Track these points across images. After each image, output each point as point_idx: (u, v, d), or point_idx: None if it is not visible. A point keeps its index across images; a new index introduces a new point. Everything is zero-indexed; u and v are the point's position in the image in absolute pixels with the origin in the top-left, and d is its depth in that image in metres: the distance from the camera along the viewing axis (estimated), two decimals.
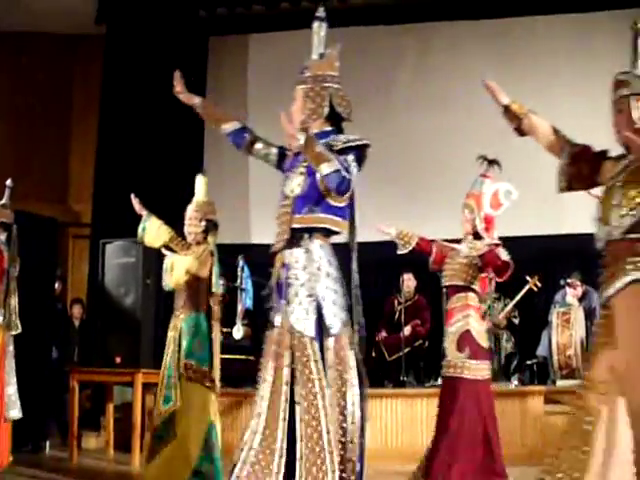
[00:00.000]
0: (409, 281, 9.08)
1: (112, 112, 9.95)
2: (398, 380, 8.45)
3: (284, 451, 3.26)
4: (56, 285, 9.13)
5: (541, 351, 8.63)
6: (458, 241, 5.76)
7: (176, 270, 5.37)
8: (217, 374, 5.36)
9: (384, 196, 8.92)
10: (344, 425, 3.37)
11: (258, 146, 3.87)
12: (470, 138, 9.29)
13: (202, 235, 5.47)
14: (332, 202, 3.51)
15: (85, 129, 10.51)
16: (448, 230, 8.53)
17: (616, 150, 3.34)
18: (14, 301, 6.06)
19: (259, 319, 7.27)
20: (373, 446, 5.73)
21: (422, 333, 8.91)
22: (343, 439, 3.36)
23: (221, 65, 10.53)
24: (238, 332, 8.00)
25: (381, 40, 10.06)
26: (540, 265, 9.02)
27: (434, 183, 9.28)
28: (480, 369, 5.39)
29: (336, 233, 3.59)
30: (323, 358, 3.40)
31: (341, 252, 3.63)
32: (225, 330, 7.99)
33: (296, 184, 3.54)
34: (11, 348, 6.06)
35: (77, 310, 9.28)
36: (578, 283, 8.55)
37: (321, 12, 3.83)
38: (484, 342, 5.49)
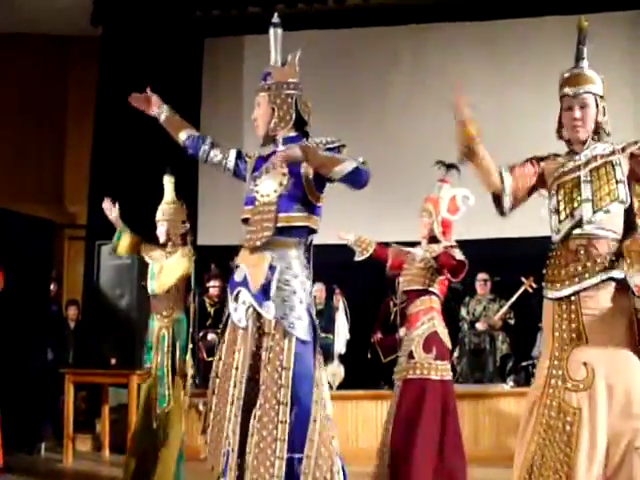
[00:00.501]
0: None
1: (107, 113, 9.94)
2: (393, 382, 8.43)
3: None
4: (51, 286, 9.13)
5: (536, 352, 8.63)
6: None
7: (167, 275, 5.39)
8: (190, 372, 5.43)
9: (379, 199, 8.89)
10: None
11: (214, 152, 3.99)
12: None
13: (181, 236, 5.54)
14: (314, 202, 3.59)
15: (80, 130, 10.49)
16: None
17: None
18: None
19: None
20: (369, 447, 5.76)
21: None
22: None
23: (216, 66, 10.54)
24: None
25: (377, 41, 10.06)
26: (535, 266, 8.97)
27: (430, 185, 9.26)
28: (446, 370, 5.45)
29: (315, 232, 3.66)
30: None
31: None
32: (220, 331, 8.00)
33: (277, 184, 3.58)
34: None
35: (72, 311, 9.27)
36: None
37: (276, 18, 3.82)
38: (448, 344, 5.54)
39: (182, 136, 4.05)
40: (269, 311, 3.44)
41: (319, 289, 8.60)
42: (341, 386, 8.08)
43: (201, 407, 5.39)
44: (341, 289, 8.78)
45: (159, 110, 4.09)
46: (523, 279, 8.52)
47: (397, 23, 10.07)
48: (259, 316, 3.47)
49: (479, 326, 8.82)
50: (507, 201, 3.44)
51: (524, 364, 8.64)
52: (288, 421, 3.30)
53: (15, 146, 10.36)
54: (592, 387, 3.11)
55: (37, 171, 10.50)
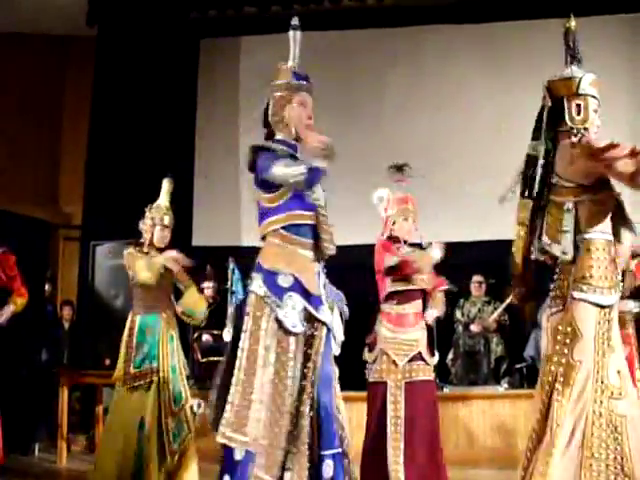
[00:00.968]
0: None
1: (103, 114, 9.94)
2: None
3: None
4: (46, 287, 9.12)
5: (530, 352, 8.63)
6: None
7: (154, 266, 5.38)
8: (184, 372, 5.47)
9: None
10: None
11: None
12: (463, 141, 9.33)
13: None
14: None
15: (76, 131, 10.48)
16: (442, 232, 8.57)
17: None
18: None
19: None
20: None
21: None
22: None
23: (213, 67, 10.53)
24: (228, 334, 7.98)
25: (373, 43, 10.07)
26: None
27: (427, 186, 9.28)
28: (432, 370, 5.46)
29: None
30: None
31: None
32: (215, 332, 8.01)
33: (322, 192, 3.67)
34: None
35: (67, 312, 9.24)
36: None
37: (295, 20, 3.87)
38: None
39: None
40: (326, 315, 3.55)
41: None
42: None
43: (195, 408, 5.39)
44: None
45: None
46: None
47: (394, 25, 10.07)
48: (310, 320, 3.52)
49: (473, 328, 8.83)
50: None
51: (518, 366, 8.65)
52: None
53: (11, 146, 10.34)
54: (628, 394, 3.17)
55: (33, 171, 10.49)
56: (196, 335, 8.56)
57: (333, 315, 3.63)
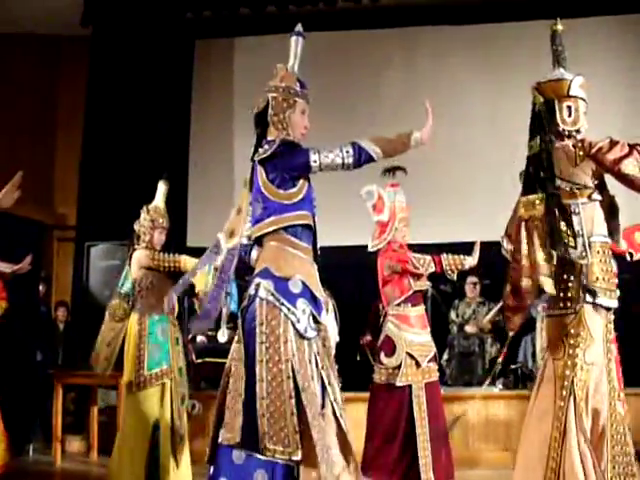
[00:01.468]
0: None
1: (97, 114, 9.93)
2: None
3: None
4: (40, 287, 9.10)
5: (521, 356, 8.64)
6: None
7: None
8: None
9: None
10: None
11: None
12: (457, 142, 9.32)
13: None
14: None
15: (70, 131, 10.46)
16: (436, 235, 8.59)
17: None
18: None
19: None
20: (358, 449, 5.76)
21: None
22: None
23: (207, 68, 10.52)
24: (223, 336, 7.96)
25: (368, 44, 10.06)
26: None
27: (420, 187, 9.29)
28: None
29: None
30: None
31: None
32: (210, 333, 7.99)
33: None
34: None
35: (62, 313, 9.23)
36: None
37: (299, 27, 3.82)
38: None
39: None
40: (327, 319, 3.61)
41: None
42: None
43: (190, 409, 5.39)
44: (330, 291, 8.78)
45: None
46: None
47: (389, 26, 10.07)
48: (315, 323, 3.53)
49: (468, 329, 8.83)
50: None
51: (513, 367, 8.66)
52: None
53: (4, 146, 10.31)
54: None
55: (26, 172, 10.42)
56: (191, 336, 8.54)
57: (328, 316, 3.64)
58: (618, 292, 3.43)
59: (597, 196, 3.46)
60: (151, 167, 9.56)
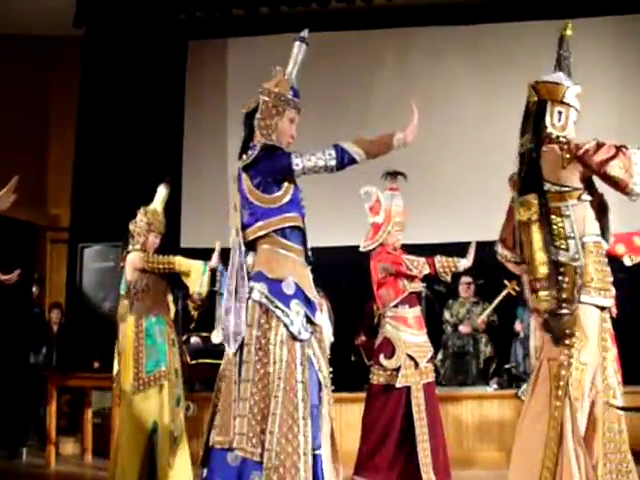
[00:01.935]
0: None
1: (90, 115, 9.90)
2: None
3: None
4: (34, 289, 9.07)
5: (513, 358, 8.64)
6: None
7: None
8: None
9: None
10: None
11: None
12: (450, 142, 9.33)
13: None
14: None
15: (63, 132, 10.43)
16: (429, 234, 8.58)
17: None
18: None
19: None
20: (352, 450, 5.76)
21: None
22: None
23: (200, 69, 10.50)
24: (217, 337, 7.97)
25: (361, 45, 10.06)
26: None
27: (413, 187, 9.30)
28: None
29: None
30: None
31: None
32: (204, 334, 7.99)
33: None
34: None
35: (55, 315, 9.20)
36: None
37: (304, 33, 3.85)
38: None
39: None
40: (321, 320, 3.61)
41: None
42: None
43: (185, 410, 5.39)
44: (324, 292, 8.78)
45: None
46: (506, 282, 8.53)
47: (381, 26, 10.07)
48: (309, 324, 3.52)
49: (462, 329, 8.83)
50: None
51: (507, 366, 8.67)
52: None
53: None
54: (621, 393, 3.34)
55: (19, 173, 10.41)
56: (185, 337, 8.54)
57: (322, 317, 3.65)
58: (614, 291, 3.44)
59: (587, 197, 3.47)
60: (144, 168, 9.56)
